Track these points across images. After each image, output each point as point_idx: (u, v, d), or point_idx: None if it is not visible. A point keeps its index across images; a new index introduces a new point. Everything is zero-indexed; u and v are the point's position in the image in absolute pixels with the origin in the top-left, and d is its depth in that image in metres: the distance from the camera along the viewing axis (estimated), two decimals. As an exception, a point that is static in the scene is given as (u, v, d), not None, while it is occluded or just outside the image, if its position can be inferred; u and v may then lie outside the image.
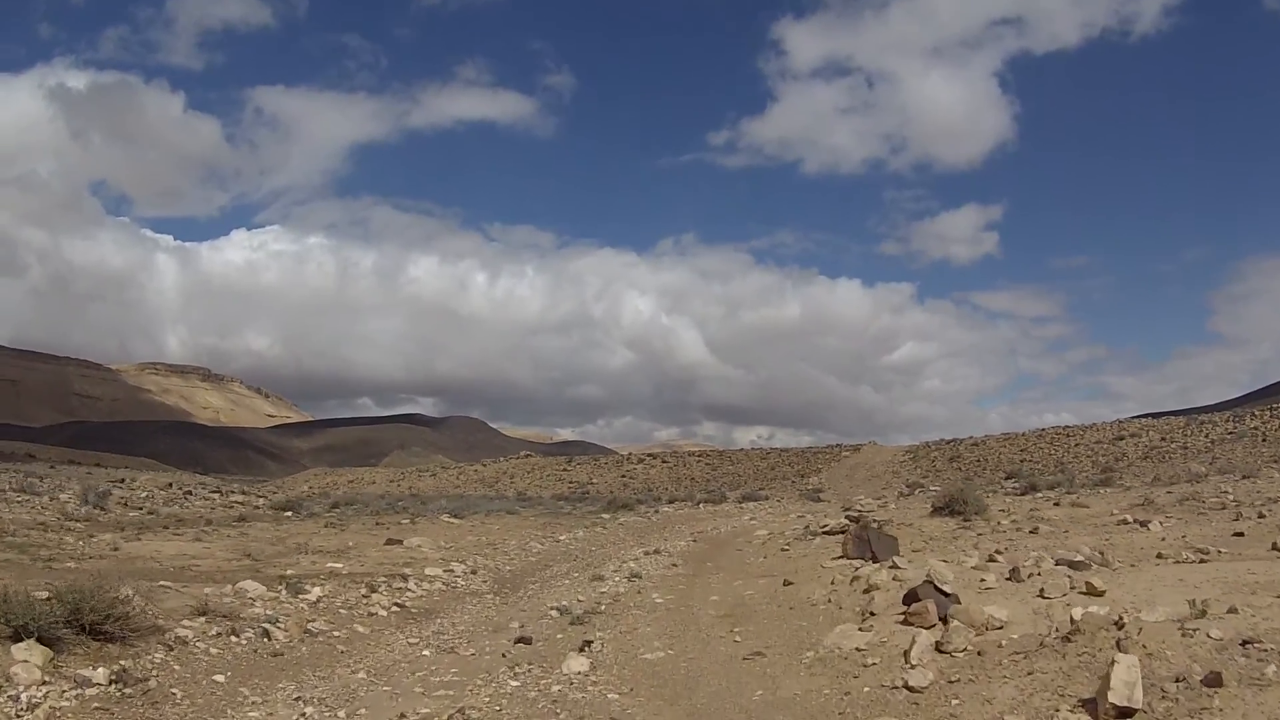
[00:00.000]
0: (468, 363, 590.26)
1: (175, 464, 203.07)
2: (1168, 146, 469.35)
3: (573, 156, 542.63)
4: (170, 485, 48.33)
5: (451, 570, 17.34)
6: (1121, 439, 68.97)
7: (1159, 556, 13.95)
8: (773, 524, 28.69)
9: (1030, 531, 19.04)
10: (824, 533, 22.41)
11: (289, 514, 30.78)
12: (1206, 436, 63.15)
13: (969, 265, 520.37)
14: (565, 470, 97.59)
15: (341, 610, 12.86)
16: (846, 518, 25.37)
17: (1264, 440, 57.48)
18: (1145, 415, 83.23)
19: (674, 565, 19.13)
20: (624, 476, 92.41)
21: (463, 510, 32.99)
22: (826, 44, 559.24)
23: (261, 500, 43.53)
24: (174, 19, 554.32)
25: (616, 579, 16.84)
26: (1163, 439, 66.04)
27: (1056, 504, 25.85)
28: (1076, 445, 71.06)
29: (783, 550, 20.43)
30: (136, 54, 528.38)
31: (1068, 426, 79.01)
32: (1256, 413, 66.90)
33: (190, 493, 42.61)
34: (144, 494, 37.46)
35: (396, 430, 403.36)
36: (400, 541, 20.71)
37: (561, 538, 25.26)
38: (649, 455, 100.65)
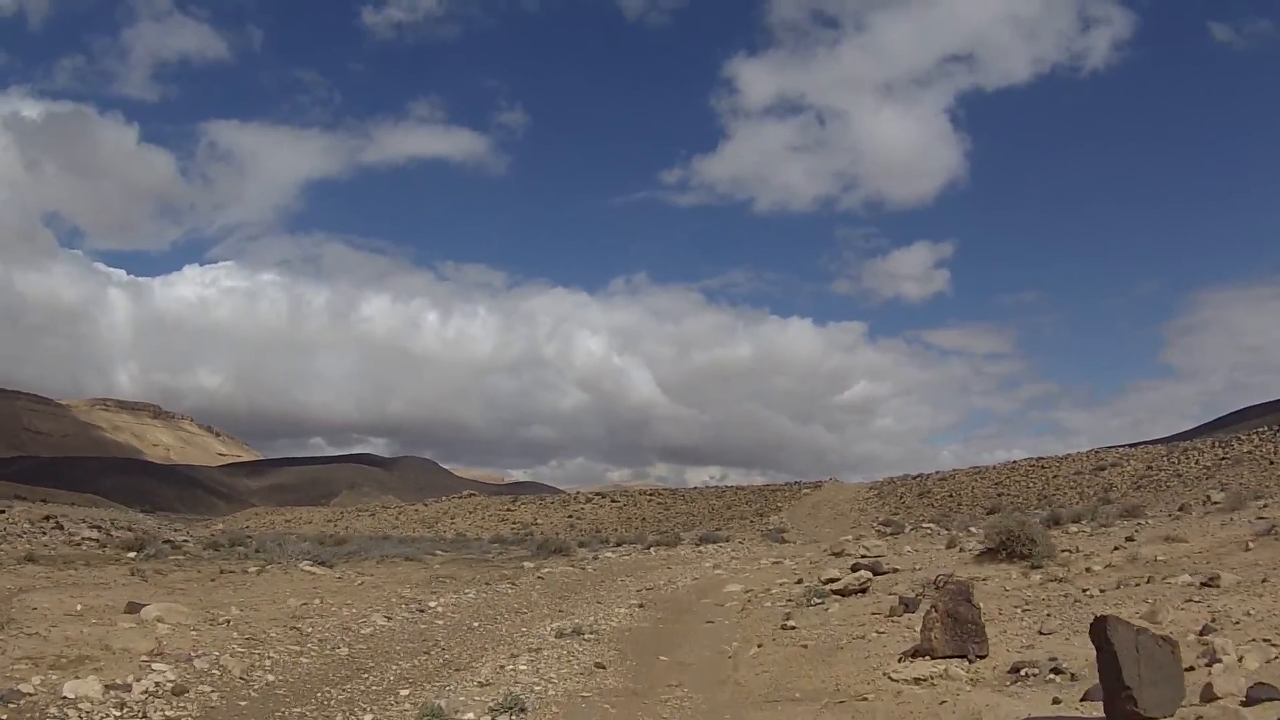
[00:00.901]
0: (420, 403, 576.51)
1: (123, 501, 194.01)
2: (1118, 181, 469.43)
3: (525, 195, 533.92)
4: (47, 518, 39.61)
5: (141, 682, 9.44)
6: (1103, 468, 62.13)
7: None
8: (746, 574, 20.82)
9: (1156, 579, 11.09)
10: (835, 592, 14.40)
11: (133, 554, 23.42)
12: (1196, 463, 56.44)
13: (920, 303, 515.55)
14: (509, 510, 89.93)
15: None
16: (859, 566, 17.34)
17: (1271, 463, 50.56)
18: (1121, 445, 76.13)
19: (598, 666, 10.90)
20: (571, 517, 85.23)
21: (341, 556, 24.62)
22: (779, 81, 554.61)
23: (138, 536, 34.74)
24: (130, 49, 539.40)
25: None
26: (1149, 467, 59.43)
27: (1130, 539, 17.92)
28: (1055, 477, 64.24)
29: (786, 627, 12.57)
30: (92, 84, 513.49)
31: (1041, 458, 71.70)
32: (1244, 437, 60.03)
33: (60, 526, 34.15)
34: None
35: (347, 470, 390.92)
36: (139, 609, 12.38)
37: (436, 603, 16.79)
38: (598, 495, 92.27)
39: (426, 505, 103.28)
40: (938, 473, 77.18)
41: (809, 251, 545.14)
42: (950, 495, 65.85)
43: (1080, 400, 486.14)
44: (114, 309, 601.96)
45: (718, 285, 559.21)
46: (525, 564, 26.39)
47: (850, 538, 34.51)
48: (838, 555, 24.03)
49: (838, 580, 15.79)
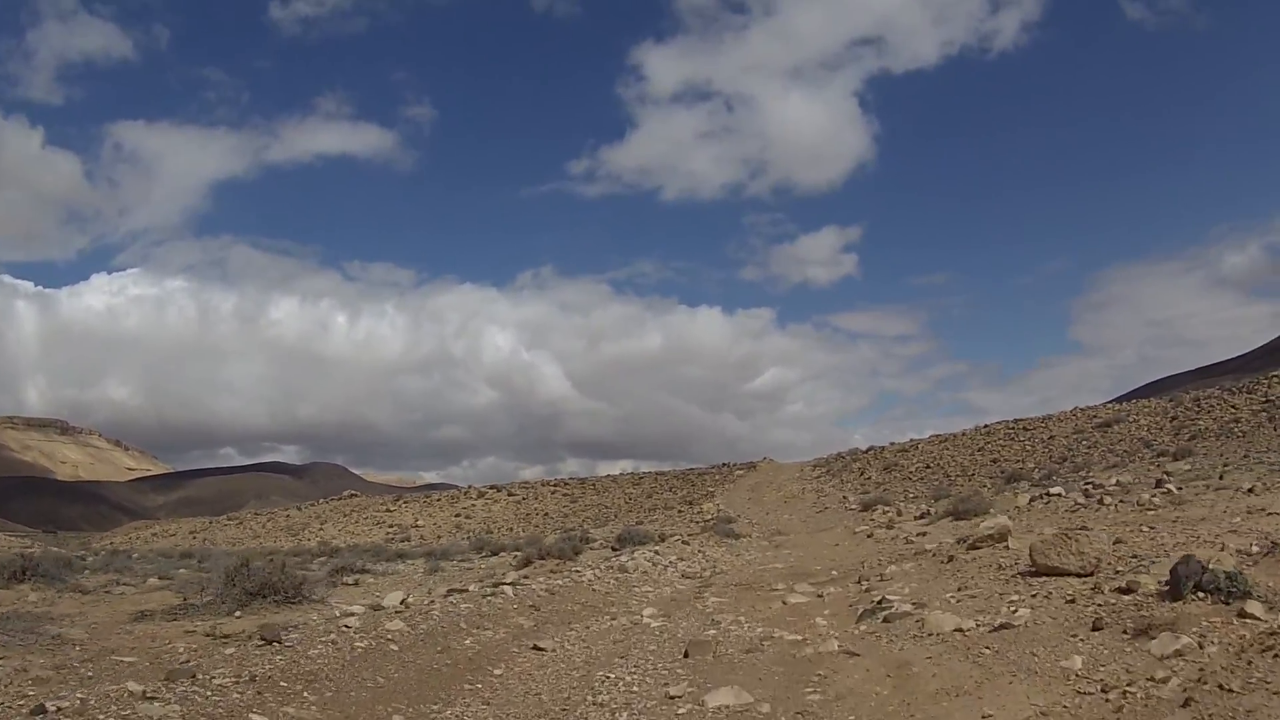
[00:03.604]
0: (330, 407, 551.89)
1: (29, 523, 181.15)
2: (1025, 161, 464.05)
3: (432, 190, 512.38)
4: None
5: None
6: (1109, 425, 47.22)
7: None
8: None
9: None
10: None
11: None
12: (1206, 420, 41.78)
13: (828, 288, 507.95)
14: (389, 512, 74.58)
15: None
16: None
17: None
18: (1115, 400, 62.06)
19: None
20: (459, 515, 70.31)
21: None
22: (686, 68, 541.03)
23: None
24: (34, 51, 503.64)
25: None
26: (1172, 419, 44.66)
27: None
28: (1051, 438, 49.35)
29: None
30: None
31: (1021, 419, 57.14)
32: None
33: None
34: None
35: (257, 480, 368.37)
36: None
37: None
38: (492, 489, 76.23)
39: (299, 510, 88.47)
40: (893, 444, 63.54)
41: (717, 239, 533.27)
42: (926, 466, 51.16)
43: (990, 379, 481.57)
44: (21, 322, 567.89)
45: (625, 276, 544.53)
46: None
47: (872, 523, 18.41)
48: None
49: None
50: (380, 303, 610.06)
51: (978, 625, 8.89)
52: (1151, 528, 13.63)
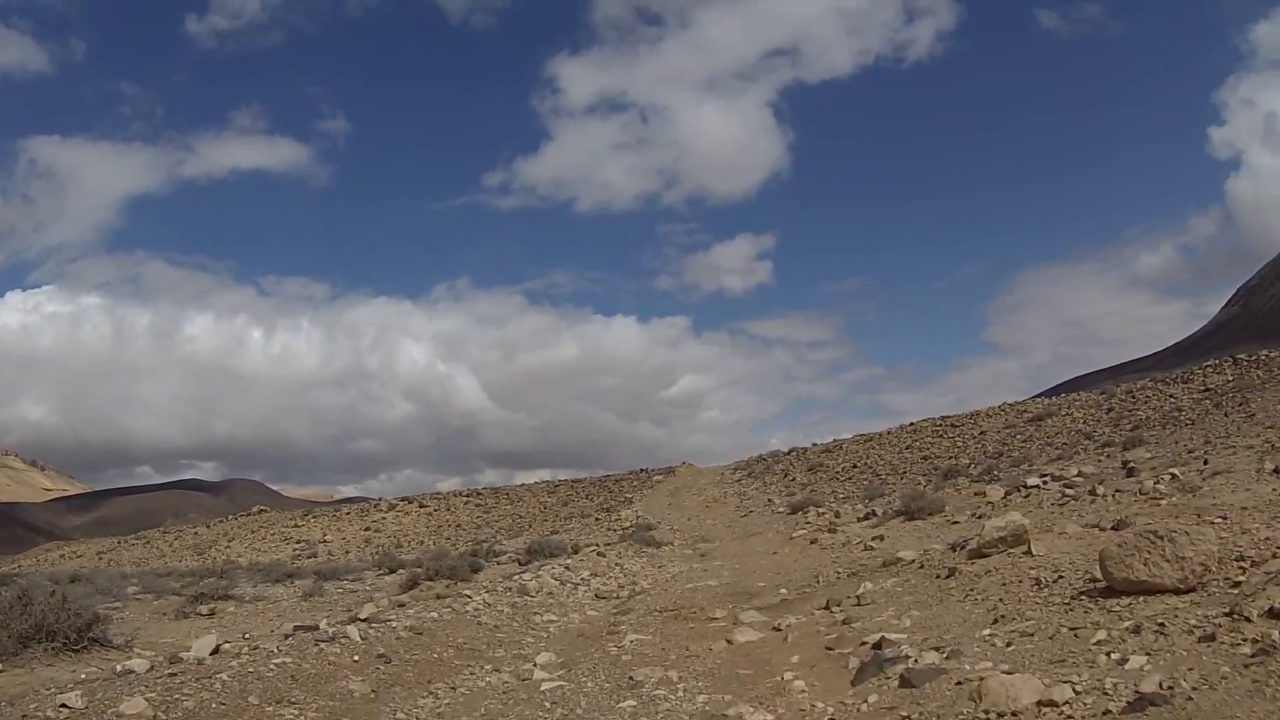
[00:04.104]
0: (247, 423, 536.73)
1: None
2: (940, 167, 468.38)
3: (346, 204, 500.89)
4: None
5: None
6: (1041, 419, 44.53)
7: None
8: None
9: None
10: None
11: None
12: (1145, 410, 39.26)
13: (743, 295, 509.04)
14: (297, 527, 69.53)
15: None
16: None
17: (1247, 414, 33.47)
18: (1040, 395, 59.73)
19: None
20: (368, 530, 65.82)
21: None
22: (601, 80, 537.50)
23: None
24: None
25: None
26: (1109, 411, 42.13)
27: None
28: (982, 433, 46.49)
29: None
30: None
31: (949, 416, 54.36)
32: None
33: None
34: None
35: (174, 498, 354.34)
36: None
37: None
38: (403, 501, 71.77)
39: (208, 527, 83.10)
40: (815, 444, 60.19)
41: (631, 249, 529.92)
42: (853, 466, 47.84)
43: (906, 381, 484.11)
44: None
45: (540, 287, 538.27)
46: None
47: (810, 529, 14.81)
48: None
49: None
50: (295, 317, 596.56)
51: (1081, 695, 5.13)
52: (1197, 517, 10.11)
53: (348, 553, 52.93)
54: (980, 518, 16.85)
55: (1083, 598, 7.19)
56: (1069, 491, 16.52)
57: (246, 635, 13.36)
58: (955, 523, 17.15)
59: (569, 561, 21.40)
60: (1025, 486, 18.36)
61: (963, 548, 10.67)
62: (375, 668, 9.18)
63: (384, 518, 68.38)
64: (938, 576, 9.92)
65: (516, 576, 18.58)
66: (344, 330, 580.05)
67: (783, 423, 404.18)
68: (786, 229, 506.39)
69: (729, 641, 9.17)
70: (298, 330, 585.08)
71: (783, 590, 12.74)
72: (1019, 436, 42.59)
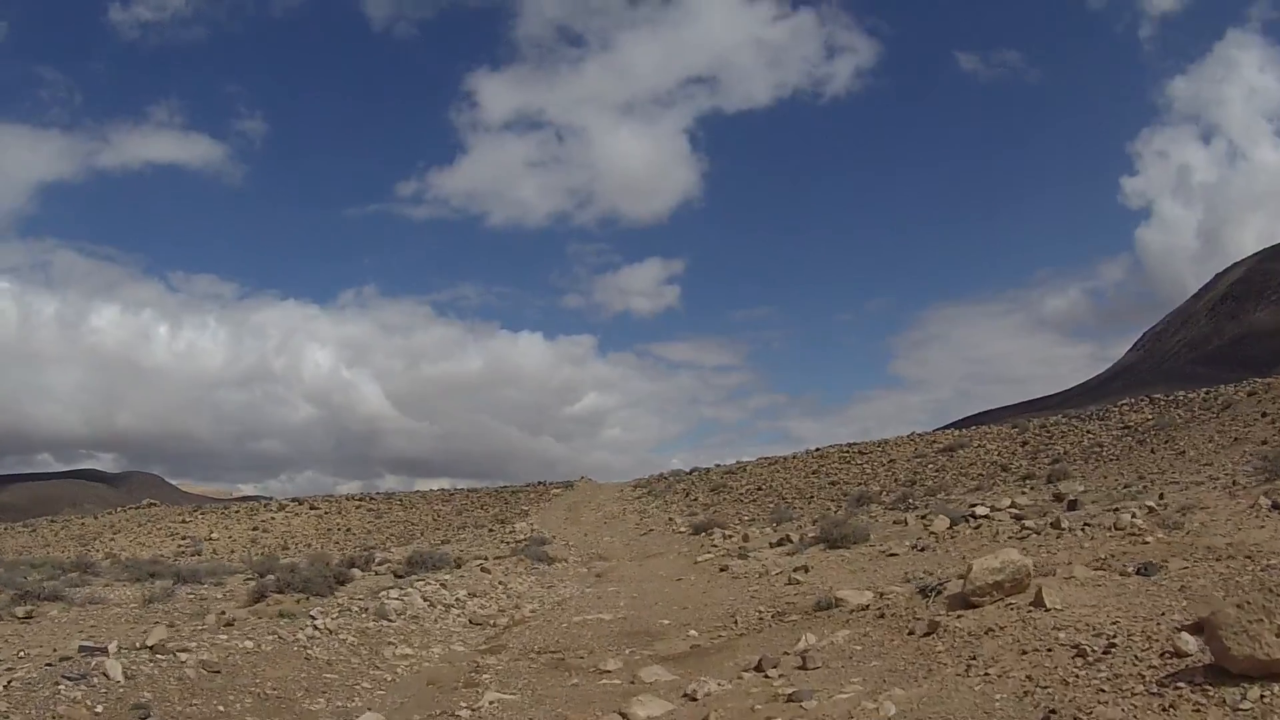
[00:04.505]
0: (149, 416, 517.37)
1: None
2: (852, 202, 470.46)
3: (259, 204, 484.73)
4: None
5: None
6: (952, 450, 42.81)
7: None
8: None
9: None
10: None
11: None
12: (1063, 444, 38.05)
13: (651, 318, 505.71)
14: (184, 523, 65.59)
15: None
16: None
17: (1177, 451, 32.01)
18: (946, 427, 58.17)
19: None
20: (256, 529, 62.10)
21: None
22: (520, 97, 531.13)
23: None
24: None
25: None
26: (1023, 444, 40.68)
27: None
28: (891, 461, 44.69)
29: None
30: None
31: (855, 443, 52.35)
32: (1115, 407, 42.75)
33: None
34: None
35: (72, 487, 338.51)
36: None
37: None
38: (294, 501, 67.87)
39: (95, 518, 77.94)
40: (719, 465, 57.69)
41: (541, 266, 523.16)
42: (758, 488, 45.62)
43: (808, 409, 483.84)
44: None
45: (448, 299, 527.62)
46: None
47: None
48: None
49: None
50: (202, 314, 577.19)
51: None
52: (1216, 558, 7.67)
53: (232, 552, 49.88)
54: (922, 550, 14.38)
55: (1180, 684, 4.58)
56: (1027, 524, 14.08)
57: (21, 654, 10.22)
58: (892, 554, 14.60)
59: (447, 578, 18.45)
60: (974, 516, 15.83)
61: (936, 592, 8.07)
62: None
63: (273, 518, 64.72)
64: (910, 633, 7.29)
65: (383, 593, 15.58)
66: (250, 330, 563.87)
67: (685, 443, 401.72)
68: (696, 254, 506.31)
69: (622, 715, 6.39)
70: (204, 328, 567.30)
71: (692, 632, 10.05)
72: (931, 466, 40.84)
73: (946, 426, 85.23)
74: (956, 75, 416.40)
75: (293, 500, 69.59)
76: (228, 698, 7.70)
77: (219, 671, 8.48)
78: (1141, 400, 41.31)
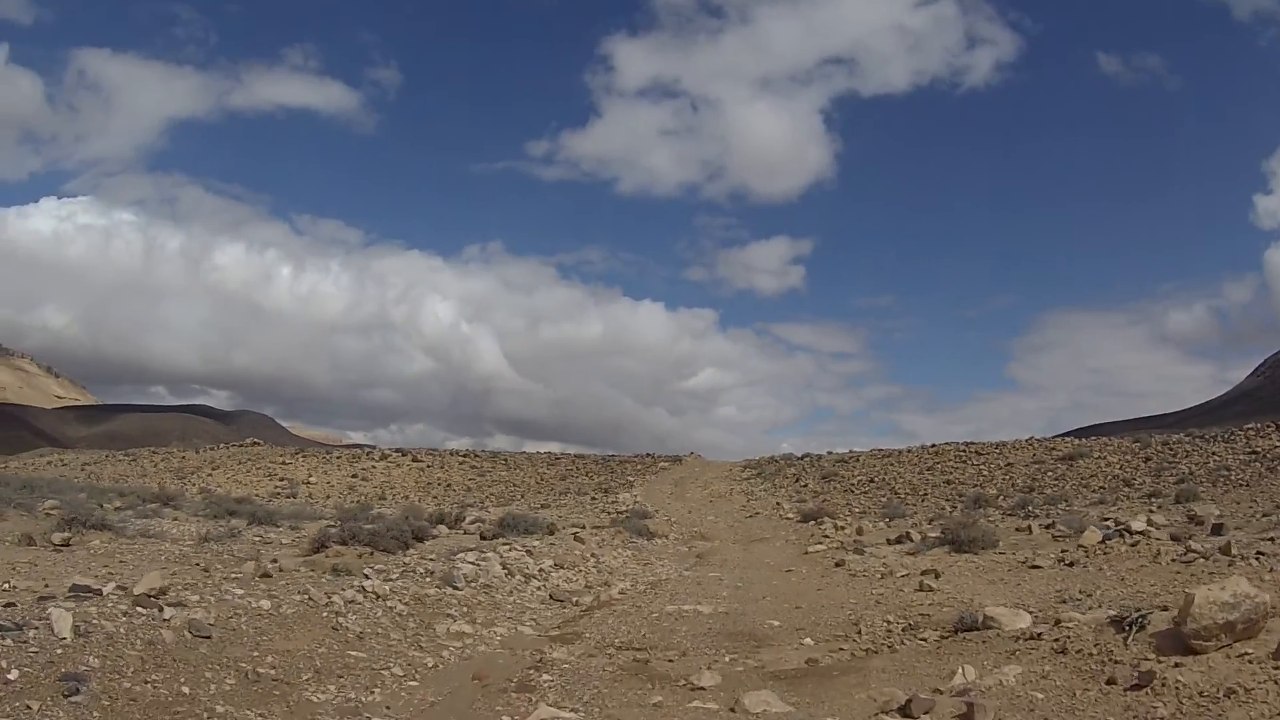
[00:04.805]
0: (266, 358, 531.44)
1: None
2: (982, 196, 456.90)
3: (388, 154, 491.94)
4: None
5: None
6: (1072, 459, 39.95)
7: None
8: None
9: None
10: None
11: None
12: (1187, 464, 35.56)
13: (773, 297, 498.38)
14: (285, 464, 65.56)
15: None
16: None
17: None
18: (1063, 435, 54.79)
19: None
20: (355, 476, 61.79)
21: None
22: (656, 64, 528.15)
23: None
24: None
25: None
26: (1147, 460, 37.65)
27: None
28: (1008, 465, 42.06)
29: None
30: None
31: (973, 443, 49.35)
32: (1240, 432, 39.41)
33: None
34: None
35: (182, 421, 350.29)
36: None
37: None
38: (397, 452, 67.60)
39: (197, 453, 79.12)
40: (830, 453, 55.19)
41: (667, 236, 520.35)
42: (870, 480, 43.37)
43: (923, 404, 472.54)
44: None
45: (572, 261, 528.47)
46: None
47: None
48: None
49: None
50: (326, 259, 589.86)
51: None
52: None
53: (328, 497, 49.46)
54: (1070, 564, 12.21)
55: None
56: (1193, 548, 11.76)
57: (6, 586, 8.88)
58: (1035, 566, 12.46)
59: (535, 544, 16.91)
60: (1130, 531, 13.50)
61: (1138, 626, 6.00)
62: (24, 707, 4.59)
63: (374, 466, 64.40)
64: (1110, 681, 5.36)
65: (459, 555, 14.05)
66: (373, 278, 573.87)
67: (798, 428, 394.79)
68: (824, 236, 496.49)
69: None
70: (327, 272, 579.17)
71: (807, 640, 8.23)
72: (1050, 474, 38.29)
73: (1064, 435, 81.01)
74: (1096, 76, 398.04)
75: (396, 450, 69.44)
76: (203, 674, 6.12)
77: (207, 637, 6.92)
78: (1268, 426, 38.27)
